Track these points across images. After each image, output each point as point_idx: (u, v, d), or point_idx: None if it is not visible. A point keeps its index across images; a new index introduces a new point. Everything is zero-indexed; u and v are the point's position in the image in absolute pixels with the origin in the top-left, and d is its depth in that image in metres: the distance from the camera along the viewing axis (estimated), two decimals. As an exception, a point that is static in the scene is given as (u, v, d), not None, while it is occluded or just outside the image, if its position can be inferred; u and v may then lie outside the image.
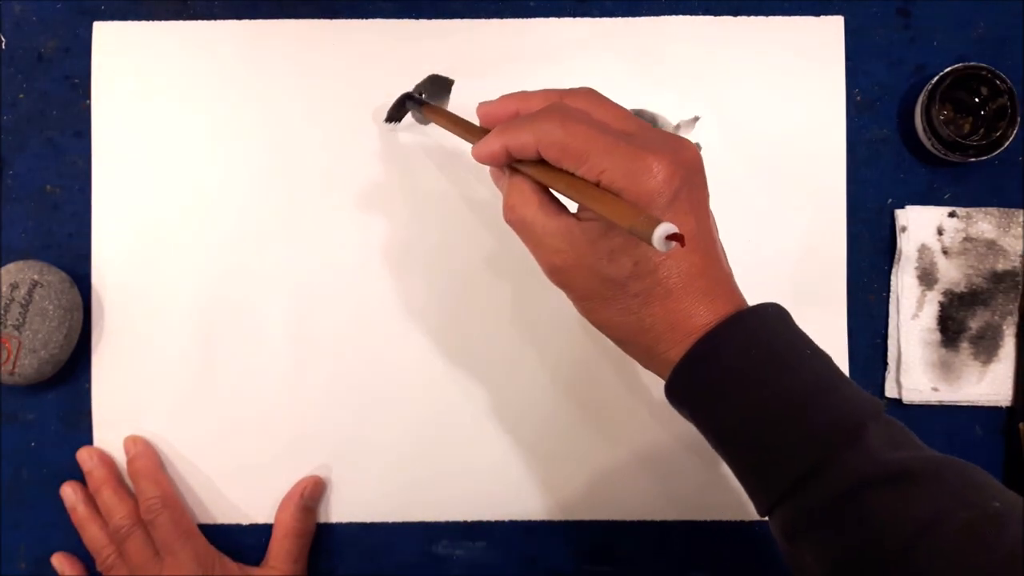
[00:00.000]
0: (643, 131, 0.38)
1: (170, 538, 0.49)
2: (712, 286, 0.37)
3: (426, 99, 0.50)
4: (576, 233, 0.37)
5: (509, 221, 0.40)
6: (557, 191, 0.38)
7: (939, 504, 0.33)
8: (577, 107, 0.38)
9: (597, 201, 0.35)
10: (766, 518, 0.37)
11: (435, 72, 0.52)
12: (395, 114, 0.52)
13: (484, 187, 0.53)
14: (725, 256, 0.40)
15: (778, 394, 0.35)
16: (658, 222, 0.31)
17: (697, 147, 0.49)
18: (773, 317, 0.37)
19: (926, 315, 0.52)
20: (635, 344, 0.38)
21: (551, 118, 0.37)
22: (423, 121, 0.52)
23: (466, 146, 0.52)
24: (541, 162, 0.38)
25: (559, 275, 0.39)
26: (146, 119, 0.53)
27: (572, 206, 0.39)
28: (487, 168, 0.52)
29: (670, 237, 0.30)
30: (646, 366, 0.39)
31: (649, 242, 0.31)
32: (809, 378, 0.36)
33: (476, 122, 0.43)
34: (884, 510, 0.33)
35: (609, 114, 0.38)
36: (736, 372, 0.36)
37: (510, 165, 0.40)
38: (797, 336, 0.37)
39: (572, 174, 0.36)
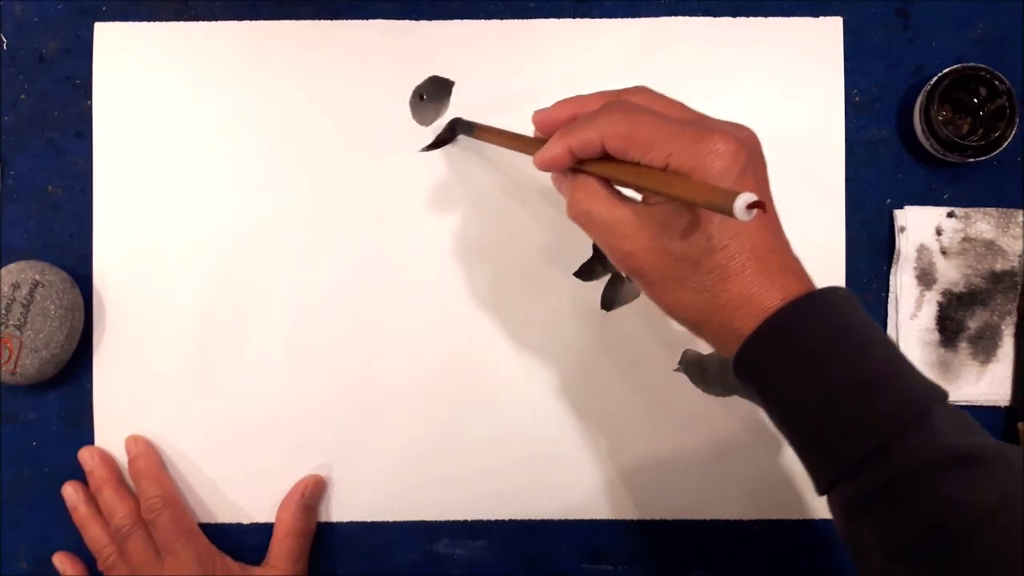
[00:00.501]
0: (703, 118, 0.39)
1: (171, 538, 0.49)
2: (784, 263, 0.38)
3: (467, 122, 0.51)
4: (646, 217, 0.38)
5: (575, 216, 0.41)
6: (624, 183, 0.39)
7: (1005, 489, 0.33)
8: (635, 101, 0.39)
9: (669, 185, 0.36)
10: (823, 497, 0.38)
11: (435, 74, 0.52)
12: (445, 138, 0.52)
13: (485, 186, 0.53)
14: (789, 241, 0.40)
15: (847, 373, 0.36)
16: (737, 193, 0.31)
17: None
18: (843, 299, 0.38)
19: (925, 315, 0.52)
20: (710, 323, 0.39)
21: (613, 112, 0.38)
22: (475, 137, 0.52)
23: (466, 143, 0.53)
24: (604, 159, 0.39)
25: (630, 261, 0.39)
26: (147, 120, 0.53)
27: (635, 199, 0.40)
28: (488, 167, 0.53)
29: (751, 206, 0.31)
30: (719, 347, 0.40)
31: (730, 213, 0.31)
32: (877, 360, 0.36)
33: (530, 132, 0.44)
34: (949, 493, 0.33)
35: (667, 106, 0.40)
36: (807, 349, 0.36)
37: (572, 168, 0.41)
38: (865, 320, 0.38)
39: (638, 164, 0.37)
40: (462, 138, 0.52)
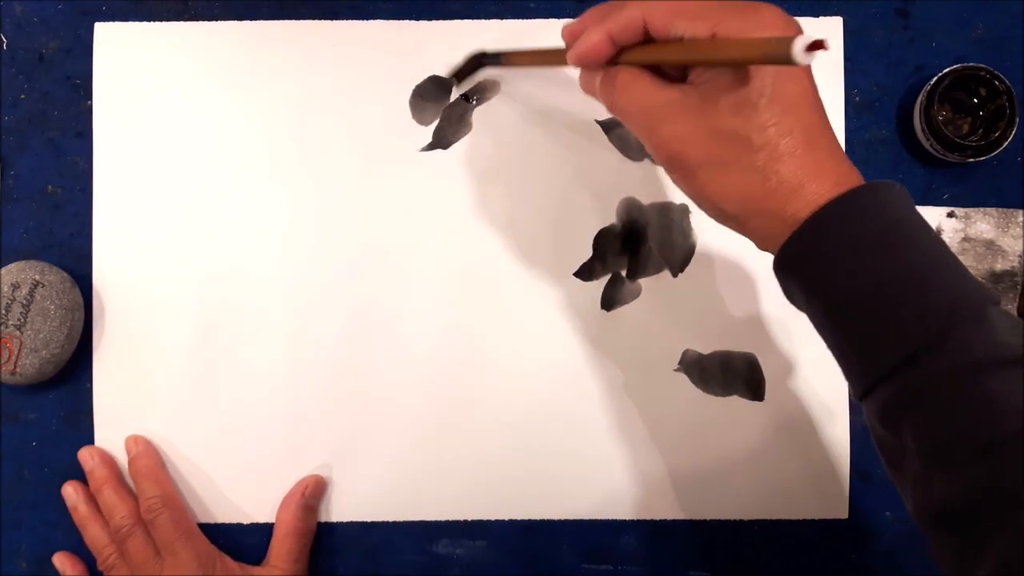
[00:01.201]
0: None
1: (171, 538, 0.49)
2: (835, 150, 0.36)
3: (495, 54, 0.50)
4: (692, 97, 0.36)
5: (615, 106, 0.39)
6: (670, 63, 0.38)
7: None
8: None
9: (720, 51, 0.34)
10: (860, 401, 0.36)
11: (435, 73, 0.52)
12: (467, 70, 0.51)
13: (485, 187, 0.53)
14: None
15: (902, 265, 0.34)
16: (796, 35, 0.30)
17: None
18: (898, 193, 0.36)
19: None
20: (759, 212, 0.36)
21: None
22: (503, 65, 0.51)
23: (466, 145, 0.53)
24: (645, 44, 0.37)
25: (675, 144, 0.37)
26: (147, 120, 0.53)
27: None
28: (488, 167, 0.53)
29: (811, 47, 0.29)
30: (765, 243, 0.37)
31: (789, 60, 0.30)
32: (932, 255, 0.34)
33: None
34: (998, 393, 0.31)
35: None
36: (861, 240, 0.34)
37: (608, 63, 0.39)
38: (918, 217, 0.36)
39: (681, 41, 0.36)
40: (462, 141, 0.52)
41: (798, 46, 0.29)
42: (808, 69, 0.37)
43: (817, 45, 0.29)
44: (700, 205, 0.38)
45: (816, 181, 0.35)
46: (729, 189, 0.36)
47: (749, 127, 0.35)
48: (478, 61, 0.51)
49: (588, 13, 0.40)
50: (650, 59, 0.38)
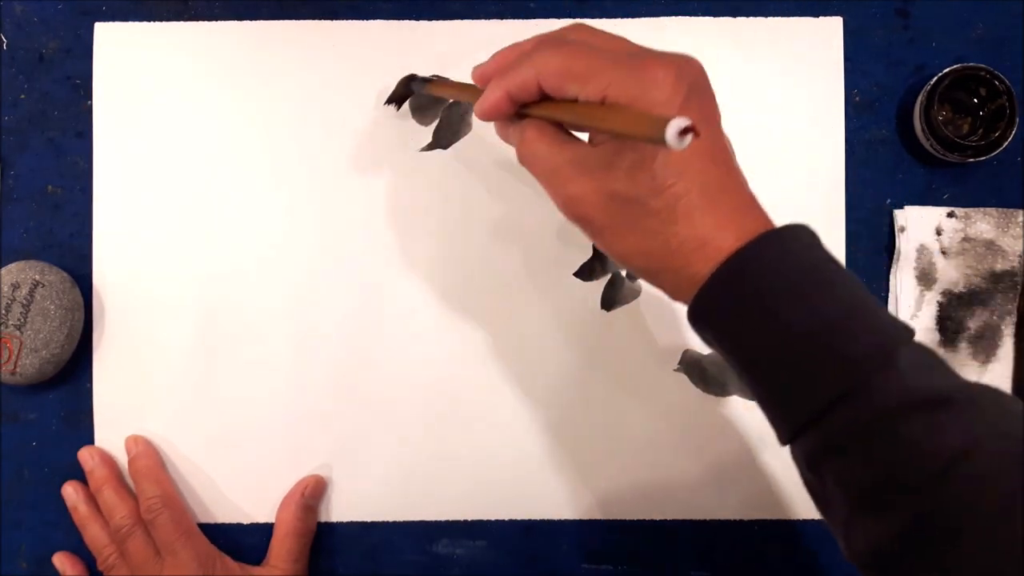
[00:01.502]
0: (644, 49, 0.37)
1: (171, 538, 0.49)
2: (738, 202, 0.36)
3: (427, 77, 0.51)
4: (591, 158, 0.36)
5: (523, 160, 0.39)
6: (566, 122, 0.38)
7: (974, 432, 0.32)
8: (573, 37, 0.38)
9: (606, 118, 0.34)
10: (787, 447, 0.36)
11: (435, 73, 0.52)
12: (399, 95, 0.52)
13: (484, 188, 0.53)
14: (745, 179, 0.38)
15: (808, 316, 0.34)
16: (669, 118, 0.29)
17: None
18: (803, 237, 0.36)
19: (925, 315, 0.52)
20: (663, 270, 0.36)
21: (547, 48, 0.36)
22: (427, 92, 0.50)
23: (466, 145, 0.53)
24: (544, 100, 0.37)
25: (576, 206, 0.37)
26: (147, 120, 0.53)
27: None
28: (487, 168, 0.53)
29: (684, 132, 0.29)
30: (676, 295, 0.37)
31: (662, 142, 0.29)
32: (840, 301, 0.34)
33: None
34: (916, 437, 0.32)
35: (606, 40, 0.38)
36: (765, 292, 0.34)
37: (517, 113, 0.39)
38: (827, 258, 0.36)
39: (576, 101, 0.35)
40: (462, 141, 0.52)
41: (671, 129, 0.29)
42: (709, 118, 0.36)
43: (690, 130, 0.29)
44: (609, 256, 0.38)
45: (717, 237, 0.35)
46: (633, 249, 0.36)
47: (645, 191, 0.35)
48: (408, 83, 0.51)
49: (496, 57, 0.40)
50: (549, 116, 0.38)
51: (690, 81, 0.35)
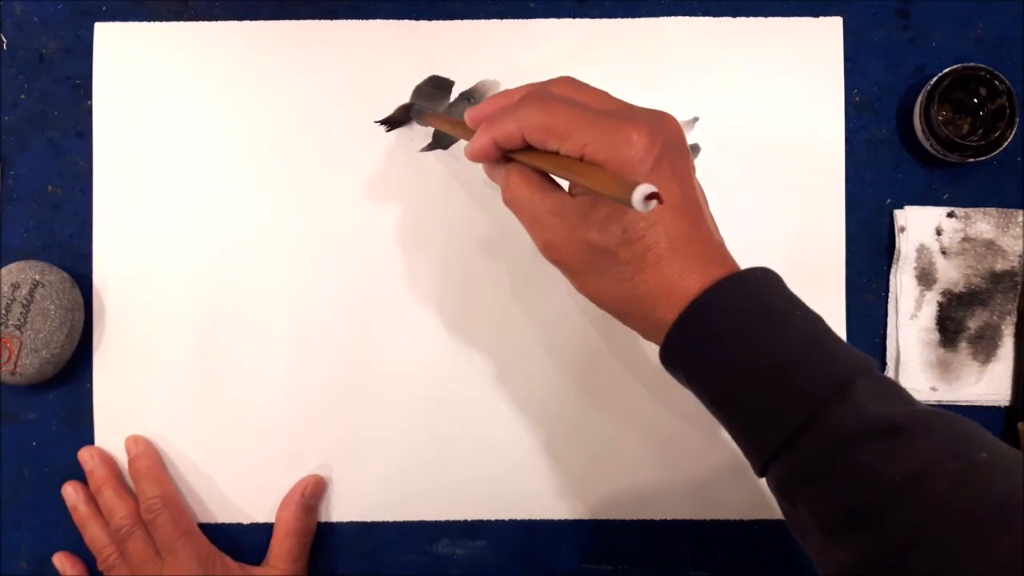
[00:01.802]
0: (625, 107, 0.40)
1: (171, 538, 0.49)
2: (703, 252, 0.38)
3: (423, 105, 0.52)
4: (568, 208, 0.39)
5: (507, 203, 0.42)
6: (548, 172, 0.40)
7: (927, 456, 0.33)
8: (558, 91, 0.40)
9: (582, 175, 0.36)
10: (763, 479, 0.38)
11: (435, 73, 0.52)
12: (397, 120, 0.52)
13: (484, 188, 0.53)
14: (716, 227, 0.41)
15: (766, 353, 0.36)
16: (636, 184, 0.32)
17: (695, 148, 0.50)
18: (762, 280, 0.38)
19: (925, 315, 0.52)
20: (633, 314, 0.39)
21: (531, 103, 0.39)
22: (423, 124, 0.53)
23: (464, 145, 0.53)
24: (529, 149, 0.39)
25: (553, 251, 0.40)
26: (147, 120, 0.53)
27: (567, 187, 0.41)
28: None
29: (649, 197, 0.32)
30: (647, 337, 0.40)
31: (630, 204, 0.32)
32: (797, 337, 0.36)
33: None
34: (872, 464, 0.33)
35: (590, 96, 0.40)
36: (726, 333, 0.36)
37: (505, 156, 0.41)
38: (786, 298, 0.38)
39: (557, 154, 0.38)
40: (463, 141, 0.52)
41: (637, 195, 0.31)
42: (681, 175, 0.39)
43: (654, 196, 0.32)
44: (584, 296, 0.41)
45: (682, 285, 0.37)
46: (605, 293, 0.39)
47: (614, 242, 0.38)
48: (406, 111, 0.52)
49: (487, 103, 0.42)
50: (532, 164, 0.40)
51: (664, 140, 0.37)
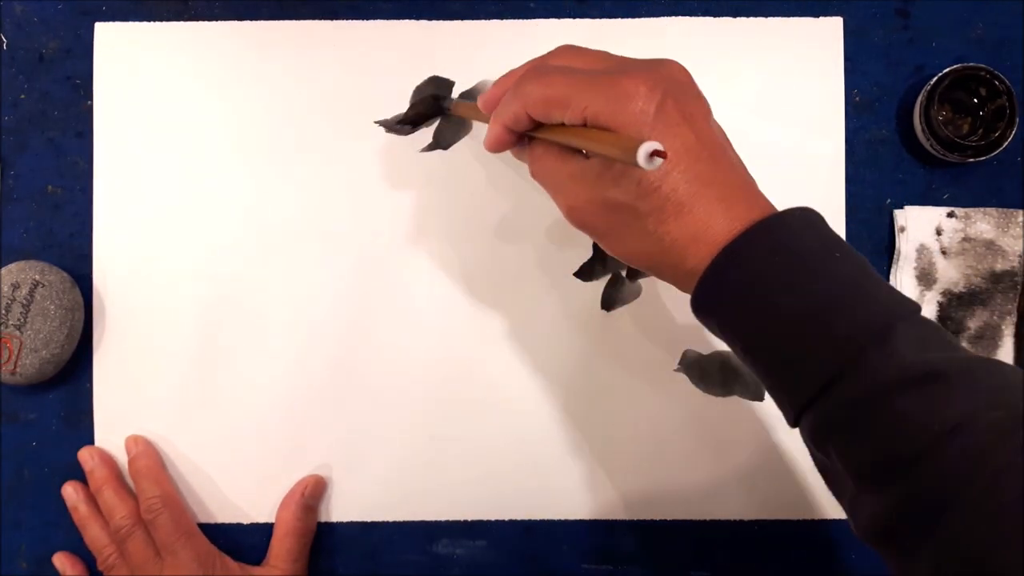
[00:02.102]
0: (621, 61, 0.39)
1: (171, 538, 0.49)
2: (729, 193, 0.37)
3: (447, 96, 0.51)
4: (586, 170, 0.38)
5: (534, 176, 0.41)
6: (561, 144, 0.39)
7: (968, 405, 0.32)
8: (556, 62, 0.39)
9: (589, 140, 0.36)
10: (796, 428, 0.37)
11: (435, 73, 0.52)
12: (423, 115, 0.52)
13: (484, 187, 0.53)
14: (743, 165, 0.39)
15: (804, 298, 0.34)
16: (638, 143, 0.31)
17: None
18: (800, 220, 0.36)
19: (925, 315, 0.52)
20: (664, 266, 0.38)
21: (529, 80, 0.38)
22: (451, 114, 0.52)
23: (466, 145, 0.53)
24: (540, 126, 0.39)
25: (577, 215, 0.39)
26: (147, 120, 0.53)
27: None
28: (487, 168, 0.53)
29: (654, 154, 0.31)
30: (685, 289, 0.38)
31: (636, 165, 0.31)
32: (837, 281, 0.35)
33: None
34: (911, 411, 0.32)
35: (588, 59, 0.39)
36: (761, 278, 0.35)
37: (527, 136, 0.41)
38: (827, 239, 0.36)
39: (563, 125, 0.37)
40: (462, 141, 0.52)
41: (640, 154, 0.31)
42: (691, 116, 0.37)
43: (659, 154, 0.31)
44: (614, 256, 0.40)
45: (708, 231, 0.36)
46: (633, 250, 0.39)
47: (633, 196, 0.36)
48: (434, 104, 0.51)
49: (494, 86, 0.42)
50: (547, 138, 0.39)
51: (665, 86, 0.36)
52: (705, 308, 0.37)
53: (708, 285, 0.36)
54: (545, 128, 0.39)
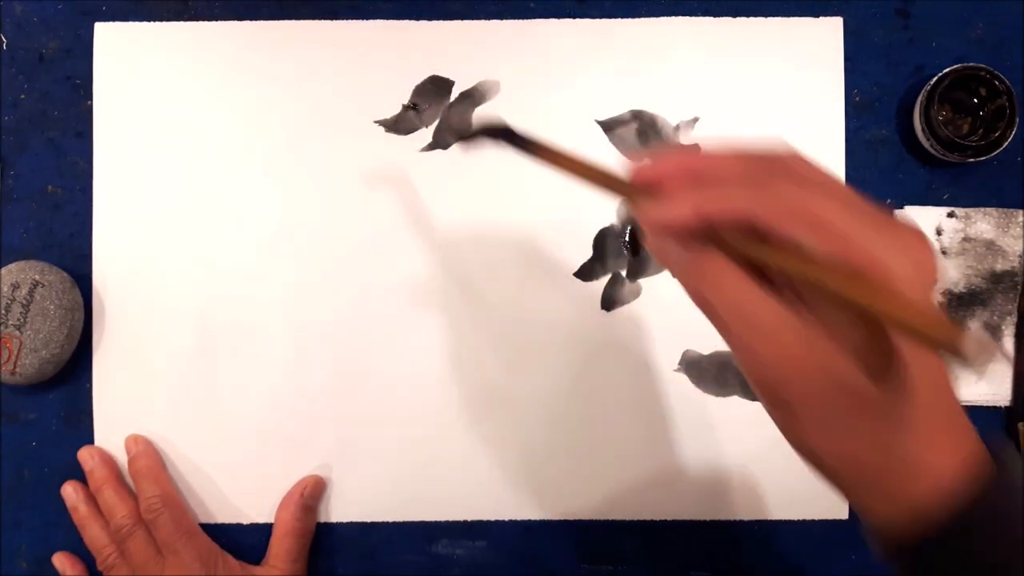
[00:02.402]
0: (876, 207, 0.30)
1: (172, 537, 0.49)
2: (963, 424, 0.30)
3: (520, 135, 0.37)
4: (809, 319, 0.29)
5: (701, 300, 0.31)
6: (775, 269, 0.30)
7: None
8: (800, 170, 0.30)
9: (850, 287, 0.27)
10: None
11: (435, 73, 0.52)
12: (477, 139, 0.39)
13: (485, 187, 0.53)
14: None
15: None
16: (964, 330, 0.24)
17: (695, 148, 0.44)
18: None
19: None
20: (870, 486, 0.30)
21: (778, 181, 0.29)
22: (526, 152, 0.37)
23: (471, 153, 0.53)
24: (745, 236, 0.30)
25: (777, 371, 0.29)
26: (147, 120, 0.53)
27: None
28: (488, 167, 0.53)
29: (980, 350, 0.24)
30: (871, 522, 0.31)
31: (956, 353, 0.24)
32: None
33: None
34: None
35: (826, 181, 0.30)
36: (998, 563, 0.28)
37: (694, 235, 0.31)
38: None
39: (799, 252, 0.28)
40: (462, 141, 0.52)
41: (972, 344, 0.24)
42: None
43: (988, 347, 0.24)
44: (797, 451, 0.31)
45: (936, 461, 0.29)
46: (837, 447, 0.30)
47: (883, 387, 0.28)
48: (502, 134, 0.37)
49: (674, 157, 0.32)
50: (749, 254, 0.30)
51: (936, 261, 0.29)
52: (932, 566, 0.29)
53: (951, 537, 0.29)
54: (758, 245, 0.29)
